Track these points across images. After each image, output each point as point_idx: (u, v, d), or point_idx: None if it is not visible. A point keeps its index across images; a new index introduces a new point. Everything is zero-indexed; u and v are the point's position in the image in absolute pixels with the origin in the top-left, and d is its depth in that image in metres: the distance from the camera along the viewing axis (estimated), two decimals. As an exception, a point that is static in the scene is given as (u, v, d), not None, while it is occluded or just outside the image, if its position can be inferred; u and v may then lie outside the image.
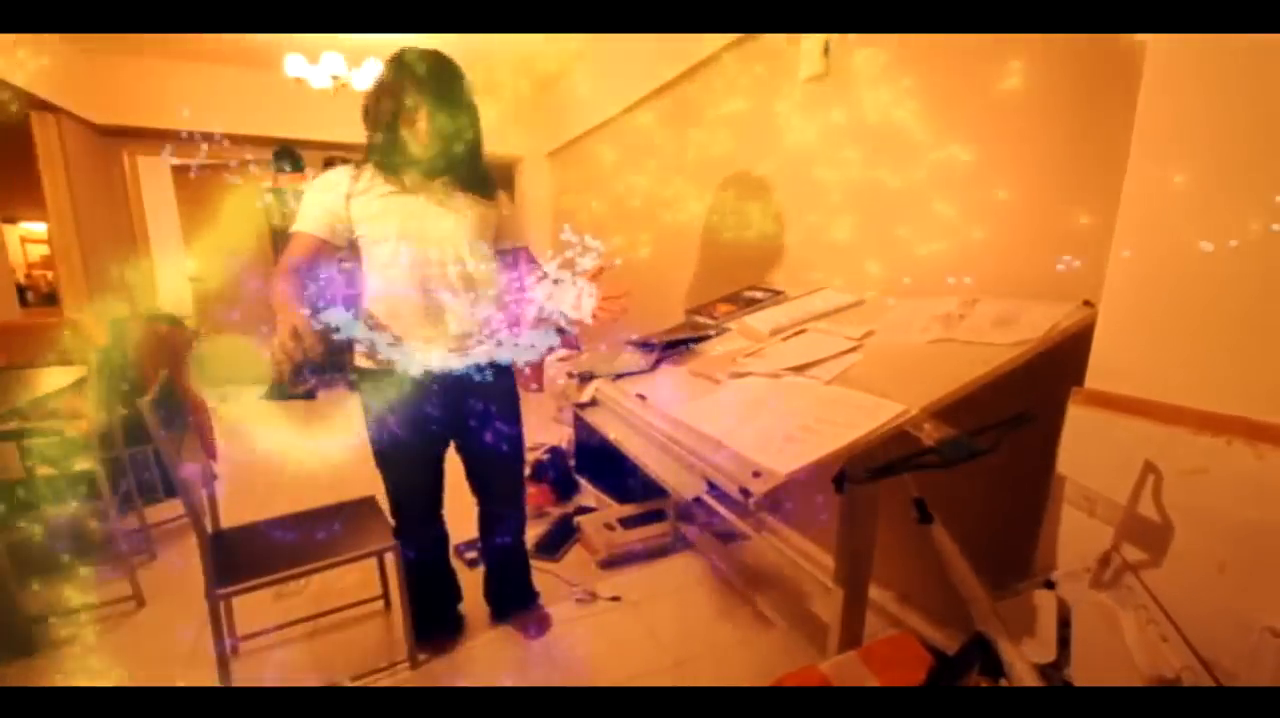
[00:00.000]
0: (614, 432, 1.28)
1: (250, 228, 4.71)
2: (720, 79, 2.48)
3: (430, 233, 1.42)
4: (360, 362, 1.48)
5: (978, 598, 1.08)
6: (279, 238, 4.71)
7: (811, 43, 1.90)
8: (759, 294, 1.82)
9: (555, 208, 4.92)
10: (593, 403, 1.44)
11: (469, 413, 1.54)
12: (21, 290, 6.61)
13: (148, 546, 2.19)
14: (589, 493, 2.64)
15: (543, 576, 1.97)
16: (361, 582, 1.91)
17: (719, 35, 2.34)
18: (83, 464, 1.94)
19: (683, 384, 1.37)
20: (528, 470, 2.39)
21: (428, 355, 1.42)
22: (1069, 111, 1.27)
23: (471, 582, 1.88)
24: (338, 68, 3.50)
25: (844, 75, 1.83)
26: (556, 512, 2.49)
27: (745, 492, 0.90)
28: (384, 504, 1.70)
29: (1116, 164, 1.04)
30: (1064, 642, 1.03)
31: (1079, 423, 1.09)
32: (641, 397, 1.32)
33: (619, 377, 1.46)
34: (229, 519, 1.65)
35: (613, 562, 2.12)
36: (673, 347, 1.54)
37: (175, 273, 5.06)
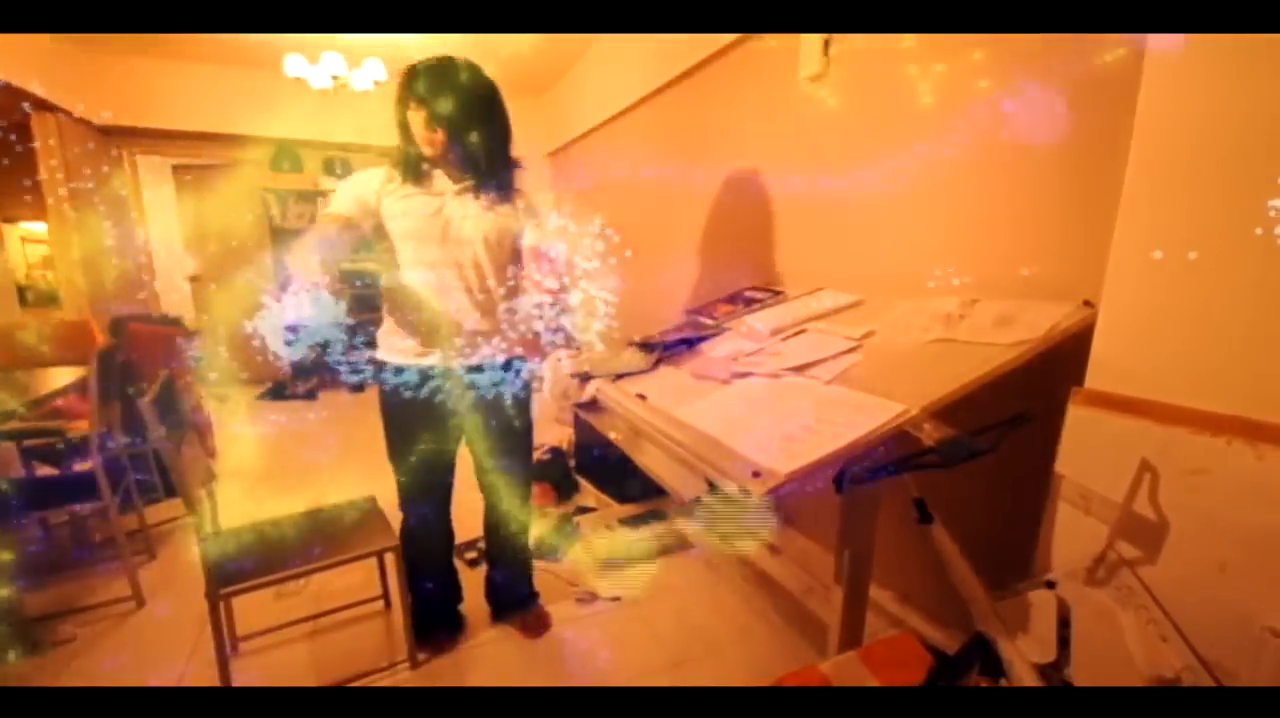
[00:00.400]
0: (614, 432, 1.28)
1: (250, 228, 4.71)
2: (720, 79, 2.48)
3: (448, 234, 1.46)
4: (381, 356, 1.52)
5: (978, 598, 1.08)
6: (278, 238, 4.72)
7: (811, 43, 1.90)
8: (759, 294, 1.82)
9: (555, 208, 4.92)
10: (593, 403, 1.44)
11: (482, 410, 1.56)
12: (21, 290, 6.62)
13: (148, 546, 2.19)
14: (589, 493, 2.64)
15: (543, 576, 1.97)
16: (361, 582, 1.91)
17: (719, 35, 2.34)
18: (82, 464, 1.94)
19: (683, 384, 1.37)
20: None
21: (444, 353, 1.48)
22: (1069, 111, 1.27)
23: (472, 582, 1.89)
24: (338, 68, 3.50)
25: (844, 75, 1.83)
26: (556, 512, 2.49)
27: (745, 492, 0.90)
28: (384, 504, 1.71)
29: (1116, 164, 1.04)
30: (1064, 642, 1.03)
31: (1079, 423, 1.09)
32: (641, 397, 1.32)
33: (619, 377, 1.46)
34: (229, 519, 1.65)
35: (613, 562, 2.12)
36: (673, 347, 1.54)
37: (175, 273, 5.07)
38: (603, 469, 2.58)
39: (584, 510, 2.45)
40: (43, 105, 3.44)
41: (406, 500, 1.62)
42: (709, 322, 1.72)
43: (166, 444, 1.33)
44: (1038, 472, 1.16)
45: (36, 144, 3.55)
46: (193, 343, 2.86)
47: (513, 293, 1.55)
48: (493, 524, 1.75)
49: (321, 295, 1.17)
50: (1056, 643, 1.03)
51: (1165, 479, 0.97)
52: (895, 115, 1.66)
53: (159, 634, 1.77)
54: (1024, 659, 1.03)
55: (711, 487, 0.99)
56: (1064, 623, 1.03)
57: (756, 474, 0.91)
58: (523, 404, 1.62)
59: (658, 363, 1.50)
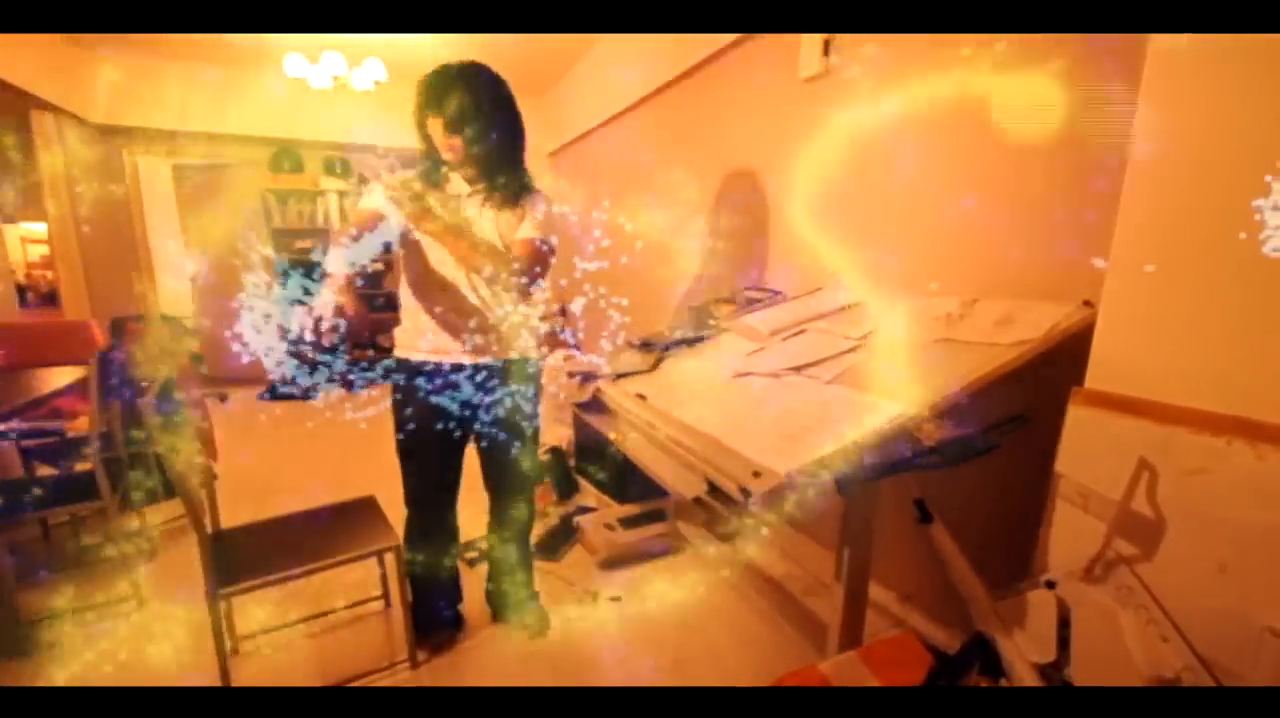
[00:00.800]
0: (614, 432, 1.28)
1: (250, 228, 4.71)
2: (720, 79, 2.48)
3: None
4: (398, 354, 1.56)
5: (978, 598, 1.08)
6: (278, 238, 4.72)
7: (811, 43, 1.90)
8: (759, 294, 1.82)
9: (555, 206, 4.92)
10: (593, 403, 1.44)
11: (491, 409, 1.57)
12: (21, 290, 6.62)
13: (148, 546, 2.19)
14: (589, 493, 2.64)
15: (543, 576, 1.97)
16: (361, 582, 1.91)
17: (719, 35, 2.34)
18: (82, 464, 1.94)
19: (683, 384, 1.37)
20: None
21: (456, 351, 1.50)
22: (1069, 110, 1.27)
23: (472, 582, 1.88)
24: (338, 68, 3.50)
25: (844, 75, 1.83)
26: (556, 512, 2.49)
27: (745, 492, 0.90)
28: (384, 504, 1.71)
29: (1116, 164, 1.04)
30: (1064, 642, 1.03)
31: (1079, 423, 1.09)
32: (641, 397, 1.32)
33: (619, 377, 1.46)
34: (229, 519, 1.65)
35: (613, 562, 2.12)
36: (673, 347, 1.54)
37: (175, 273, 5.06)
38: (603, 469, 2.58)
39: (584, 510, 2.45)
40: (43, 105, 3.44)
41: (414, 499, 1.63)
42: (709, 322, 1.72)
43: (166, 444, 1.33)
44: (1038, 471, 1.16)
45: (37, 144, 3.56)
46: (192, 343, 2.86)
47: (526, 293, 1.56)
48: (496, 524, 1.76)
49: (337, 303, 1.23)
50: (1056, 643, 1.03)
51: (1165, 479, 0.97)
52: (895, 115, 1.66)
53: (159, 634, 1.77)
54: (1024, 659, 1.03)
55: (711, 487, 0.99)
56: (1064, 623, 1.03)
57: (756, 474, 0.91)
58: (532, 405, 1.63)
59: (658, 363, 1.50)
